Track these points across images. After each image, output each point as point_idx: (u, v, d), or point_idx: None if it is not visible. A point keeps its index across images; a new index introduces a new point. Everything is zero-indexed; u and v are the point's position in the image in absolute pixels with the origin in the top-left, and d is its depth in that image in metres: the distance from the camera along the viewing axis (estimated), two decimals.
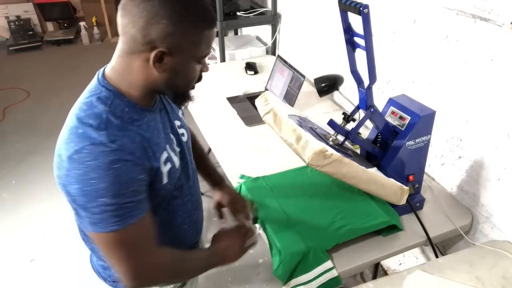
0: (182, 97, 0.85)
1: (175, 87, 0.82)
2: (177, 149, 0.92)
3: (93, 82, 0.82)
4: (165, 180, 0.85)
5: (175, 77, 0.79)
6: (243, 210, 1.17)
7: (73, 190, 0.73)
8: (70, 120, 0.77)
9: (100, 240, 0.77)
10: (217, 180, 1.22)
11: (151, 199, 0.82)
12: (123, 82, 0.79)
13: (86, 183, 0.71)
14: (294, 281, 1.05)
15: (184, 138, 0.97)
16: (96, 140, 0.72)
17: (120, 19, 0.74)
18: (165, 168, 0.85)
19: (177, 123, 0.96)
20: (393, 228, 1.19)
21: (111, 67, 0.81)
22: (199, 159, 1.15)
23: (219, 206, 1.23)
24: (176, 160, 0.90)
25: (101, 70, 0.83)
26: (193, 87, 0.85)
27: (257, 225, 1.20)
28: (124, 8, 0.73)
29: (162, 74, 0.77)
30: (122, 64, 0.78)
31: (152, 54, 0.73)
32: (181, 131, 0.96)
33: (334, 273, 1.06)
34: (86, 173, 0.71)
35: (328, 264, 1.07)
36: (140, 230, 0.78)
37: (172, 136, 0.92)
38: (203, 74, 0.86)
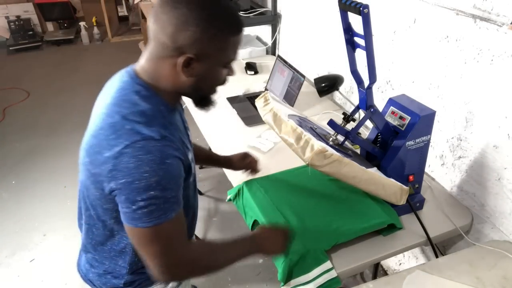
0: (206, 101, 0.90)
1: (201, 91, 0.86)
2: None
3: (124, 79, 0.84)
4: (191, 178, 0.91)
5: (202, 82, 0.83)
6: (252, 162, 1.30)
7: (119, 184, 0.75)
8: (110, 116, 0.79)
9: (140, 235, 0.79)
10: (221, 158, 1.31)
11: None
12: (156, 83, 0.82)
13: (138, 176, 0.73)
14: (293, 282, 1.05)
15: (190, 137, 1.00)
16: (147, 136, 0.75)
17: (151, 25, 0.78)
18: (192, 167, 0.90)
19: (186, 124, 0.99)
20: (393, 228, 1.19)
21: (142, 68, 0.84)
22: (199, 151, 1.23)
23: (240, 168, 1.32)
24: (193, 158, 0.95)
25: (129, 68, 0.86)
26: (215, 91, 0.89)
27: None
28: (155, 15, 0.76)
29: (189, 78, 0.80)
30: (152, 67, 0.82)
31: (180, 60, 0.77)
32: (189, 132, 1.00)
33: (333, 274, 1.06)
34: (139, 167, 0.73)
35: (327, 264, 1.07)
36: (177, 224, 0.81)
37: (188, 136, 0.96)
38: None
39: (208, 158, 1.31)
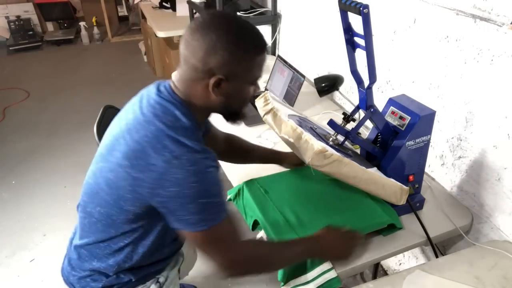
0: (236, 115, 0.98)
1: (230, 108, 0.94)
2: None
3: (163, 94, 0.89)
4: None
5: (231, 99, 0.90)
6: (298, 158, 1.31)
7: (168, 192, 0.82)
8: (153, 125, 0.84)
9: (200, 238, 0.87)
10: (275, 154, 1.38)
11: None
12: (189, 102, 0.89)
13: (187, 186, 0.81)
14: (293, 282, 1.05)
15: None
16: (192, 148, 0.83)
17: (182, 51, 0.85)
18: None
19: None
20: (393, 227, 1.19)
21: (176, 88, 0.90)
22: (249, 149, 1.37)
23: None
24: None
25: (165, 83, 0.92)
26: (245, 107, 0.97)
27: (260, 232, 1.20)
28: (186, 42, 0.84)
29: (220, 97, 0.87)
30: (186, 88, 0.89)
31: (212, 81, 0.84)
32: None
33: (333, 274, 1.06)
34: (186, 177, 0.80)
35: (327, 264, 1.07)
36: (229, 224, 0.90)
37: None
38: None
39: (249, 153, 1.37)
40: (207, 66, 0.82)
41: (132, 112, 0.91)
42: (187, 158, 0.81)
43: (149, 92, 0.92)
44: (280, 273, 1.05)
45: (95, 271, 1.01)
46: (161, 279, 1.09)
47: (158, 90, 0.91)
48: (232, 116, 0.98)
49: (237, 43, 0.82)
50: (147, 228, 0.95)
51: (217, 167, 0.87)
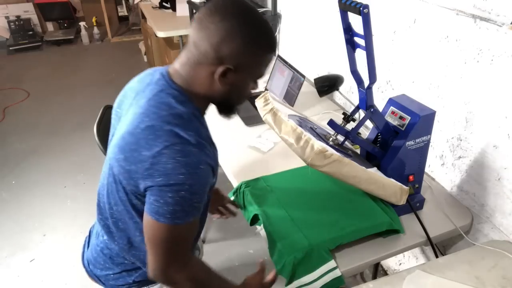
0: (231, 110, 0.95)
1: (230, 100, 0.91)
2: None
3: (160, 82, 0.86)
4: (215, 179, 0.93)
5: (233, 92, 0.87)
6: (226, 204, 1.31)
7: (155, 181, 0.78)
8: (148, 117, 0.81)
9: (157, 229, 0.82)
10: None
11: None
12: (190, 88, 0.86)
13: (174, 177, 0.77)
14: (297, 282, 1.05)
15: None
16: (185, 139, 0.79)
17: (194, 32, 0.81)
18: (217, 168, 0.92)
19: None
20: (393, 230, 1.19)
21: (176, 72, 0.87)
22: None
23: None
24: None
25: (163, 71, 0.88)
26: (242, 102, 0.94)
27: (258, 226, 1.20)
28: (201, 23, 0.80)
29: (223, 87, 0.84)
30: (189, 72, 0.85)
31: (220, 69, 0.81)
32: None
33: (337, 273, 1.06)
34: (176, 168, 0.77)
35: (331, 263, 1.07)
36: (191, 229, 0.86)
37: None
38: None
39: None
40: (219, 53, 0.79)
41: (131, 106, 0.89)
42: (179, 149, 0.78)
43: (146, 82, 0.89)
44: (284, 270, 1.05)
45: (124, 270, 1.00)
46: None
47: (156, 78, 0.88)
48: (228, 109, 0.94)
49: (255, 36, 0.80)
50: None
51: (212, 165, 0.84)
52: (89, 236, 1.13)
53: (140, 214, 0.87)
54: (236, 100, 0.92)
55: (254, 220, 1.22)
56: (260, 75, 0.89)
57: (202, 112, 0.91)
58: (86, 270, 1.07)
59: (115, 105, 0.98)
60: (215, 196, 1.30)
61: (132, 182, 0.82)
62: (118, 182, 0.87)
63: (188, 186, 0.78)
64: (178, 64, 0.87)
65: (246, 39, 0.79)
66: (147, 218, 0.82)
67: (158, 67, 0.92)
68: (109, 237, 0.99)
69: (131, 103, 0.89)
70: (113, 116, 0.99)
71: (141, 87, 0.90)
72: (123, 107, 0.94)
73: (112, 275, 1.01)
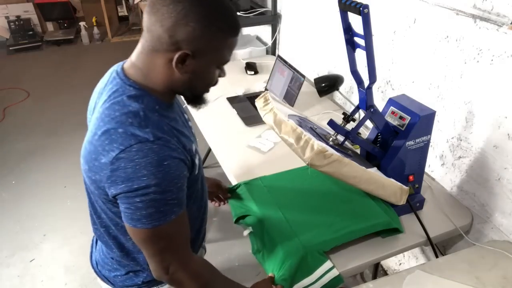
0: (198, 99, 0.88)
1: (193, 89, 0.84)
2: None
3: (114, 81, 0.81)
4: (196, 171, 0.89)
5: (195, 80, 0.81)
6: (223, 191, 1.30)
7: (119, 189, 0.74)
8: (103, 122, 0.77)
9: (139, 235, 0.79)
10: None
11: (187, 189, 0.85)
12: (147, 81, 0.80)
13: (137, 181, 0.72)
14: (296, 286, 1.05)
15: (192, 130, 0.99)
16: (142, 138, 0.74)
17: (147, 17, 0.74)
18: (196, 160, 0.88)
19: (186, 116, 0.98)
20: (392, 230, 1.19)
21: (132, 65, 0.81)
22: None
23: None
24: (198, 150, 0.93)
25: (118, 68, 0.83)
26: (208, 91, 0.88)
27: (246, 230, 1.20)
28: (153, 6, 0.73)
29: (183, 75, 0.78)
30: (145, 61, 0.79)
31: (176, 55, 0.74)
32: (190, 123, 0.99)
33: (335, 272, 1.06)
34: (137, 171, 0.72)
35: (327, 264, 1.07)
36: (178, 226, 0.81)
37: (189, 128, 0.95)
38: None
39: None
40: (174, 37, 0.72)
41: (93, 112, 0.85)
42: (136, 150, 0.72)
43: (105, 82, 0.85)
44: (282, 279, 1.04)
45: (131, 270, 0.99)
46: None
47: (112, 77, 0.82)
48: (195, 99, 0.88)
49: (212, 18, 0.73)
50: None
51: (179, 157, 0.77)
52: None
53: (120, 223, 0.85)
54: (200, 89, 0.86)
55: (239, 220, 1.22)
56: (224, 60, 0.82)
57: (167, 103, 0.84)
58: (95, 271, 1.06)
59: (88, 112, 0.94)
60: (215, 189, 1.29)
61: (102, 192, 0.79)
62: (93, 193, 0.85)
63: (155, 187, 0.73)
64: (134, 55, 0.81)
65: (203, 21, 0.72)
66: (126, 226, 0.79)
67: (119, 63, 0.86)
68: (106, 246, 0.98)
69: (95, 108, 0.85)
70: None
71: (101, 89, 0.85)
72: (90, 115, 0.89)
73: (120, 277, 0.99)
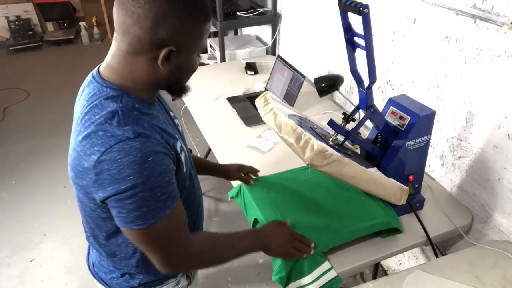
0: (183, 89, 0.88)
1: (179, 82, 0.85)
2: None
3: (91, 85, 0.81)
4: (184, 168, 0.88)
5: (180, 73, 0.81)
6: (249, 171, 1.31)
7: (107, 192, 0.73)
8: (83, 127, 0.76)
9: (136, 237, 0.78)
10: (218, 167, 1.32)
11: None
12: (126, 81, 0.79)
13: (123, 182, 0.71)
14: (292, 285, 1.05)
15: (180, 128, 0.99)
16: (122, 136, 0.72)
17: (119, 19, 0.73)
18: (182, 157, 0.87)
19: (171, 113, 0.98)
20: (392, 230, 1.19)
21: (109, 67, 0.80)
22: (195, 160, 1.18)
23: (234, 178, 1.31)
24: (185, 148, 0.92)
25: (94, 71, 0.83)
26: (189, 78, 0.88)
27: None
28: (125, 8, 0.72)
29: (168, 71, 0.78)
30: (124, 64, 0.78)
31: (162, 53, 0.74)
32: (176, 121, 0.98)
33: (333, 274, 1.06)
34: (121, 171, 0.71)
35: (326, 265, 1.07)
36: (174, 219, 0.80)
37: (174, 125, 0.94)
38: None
39: (203, 167, 1.27)
40: (156, 36, 0.72)
41: (75, 118, 0.84)
42: (117, 149, 0.71)
43: (83, 87, 0.84)
44: (278, 276, 1.05)
45: (127, 273, 0.98)
46: (190, 273, 1.07)
47: (88, 81, 0.82)
48: (178, 90, 0.88)
49: (188, 10, 0.73)
50: None
51: (163, 151, 0.76)
52: None
53: (110, 225, 0.85)
54: (184, 79, 0.86)
55: (256, 223, 1.22)
56: (204, 46, 0.82)
57: (147, 101, 0.82)
58: (92, 273, 1.05)
59: (74, 119, 0.91)
60: (242, 171, 1.30)
61: (89, 198, 0.79)
62: (81, 201, 0.84)
63: (142, 185, 0.72)
64: (109, 57, 0.80)
65: (180, 15, 0.73)
66: (123, 230, 0.79)
67: (96, 67, 0.85)
68: (98, 253, 0.98)
69: (76, 114, 0.84)
70: None
71: (80, 94, 0.85)
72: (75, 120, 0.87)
73: (116, 279, 0.99)
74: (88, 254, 1.09)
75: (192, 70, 0.85)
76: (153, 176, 0.73)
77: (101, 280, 1.02)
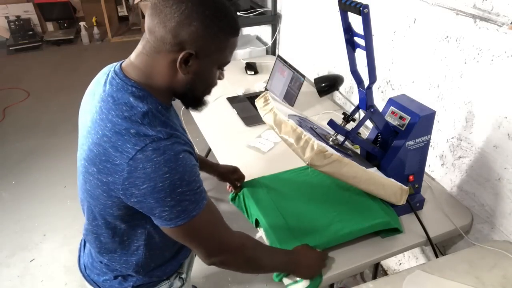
0: (198, 101, 0.89)
1: (194, 90, 0.85)
2: None
3: (114, 81, 0.81)
4: (197, 162, 0.90)
5: (197, 81, 0.82)
6: (241, 179, 1.33)
7: (142, 190, 0.74)
8: (110, 122, 0.77)
9: (181, 232, 0.81)
10: (213, 165, 1.34)
11: None
12: (148, 81, 0.80)
13: (160, 179, 0.73)
14: (285, 280, 1.06)
15: (188, 134, 0.99)
16: (155, 136, 0.75)
17: (149, 19, 0.75)
18: (195, 151, 0.89)
19: (181, 121, 0.99)
20: (392, 230, 1.19)
21: (132, 65, 0.81)
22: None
23: (226, 180, 1.33)
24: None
25: (116, 68, 0.83)
26: (209, 92, 0.89)
27: (260, 229, 1.20)
28: (155, 8, 0.74)
29: (186, 76, 0.79)
30: (146, 62, 0.79)
31: (180, 55, 0.75)
32: (183, 126, 1.00)
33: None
34: (157, 170, 0.73)
35: None
36: (211, 210, 0.84)
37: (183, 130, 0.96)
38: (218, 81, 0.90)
39: (201, 164, 1.28)
40: (177, 38, 0.74)
41: (89, 112, 0.83)
42: (152, 149, 0.73)
43: (102, 83, 0.84)
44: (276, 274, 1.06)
45: (122, 275, 0.99)
46: (183, 275, 1.08)
47: (110, 77, 0.82)
48: (194, 101, 0.89)
49: (214, 18, 0.75)
50: (152, 225, 0.88)
51: (189, 150, 0.81)
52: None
53: (120, 222, 0.86)
54: (201, 90, 0.87)
55: (258, 223, 1.22)
56: (226, 60, 0.83)
57: (166, 105, 0.85)
58: (83, 275, 1.04)
59: (79, 114, 0.93)
60: (234, 175, 1.32)
61: (113, 194, 0.79)
62: (95, 197, 0.83)
63: (180, 181, 0.75)
64: (134, 55, 0.81)
65: (206, 21, 0.74)
66: (167, 229, 0.81)
67: (113, 64, 0.86)
68: (94, 251, 0.98)
69: (90, 110, 0.83)
70: (79, 125, 0.92)
71: (98, 89, 0.84)
72: (85, 115, 0.87)
73: (109, 281, 0.99)
74: (79, 256, 1.08)
75: (210, 83, 0.86)
76: (187, 171, 0.76)
77: (92, 283, 1.02)
